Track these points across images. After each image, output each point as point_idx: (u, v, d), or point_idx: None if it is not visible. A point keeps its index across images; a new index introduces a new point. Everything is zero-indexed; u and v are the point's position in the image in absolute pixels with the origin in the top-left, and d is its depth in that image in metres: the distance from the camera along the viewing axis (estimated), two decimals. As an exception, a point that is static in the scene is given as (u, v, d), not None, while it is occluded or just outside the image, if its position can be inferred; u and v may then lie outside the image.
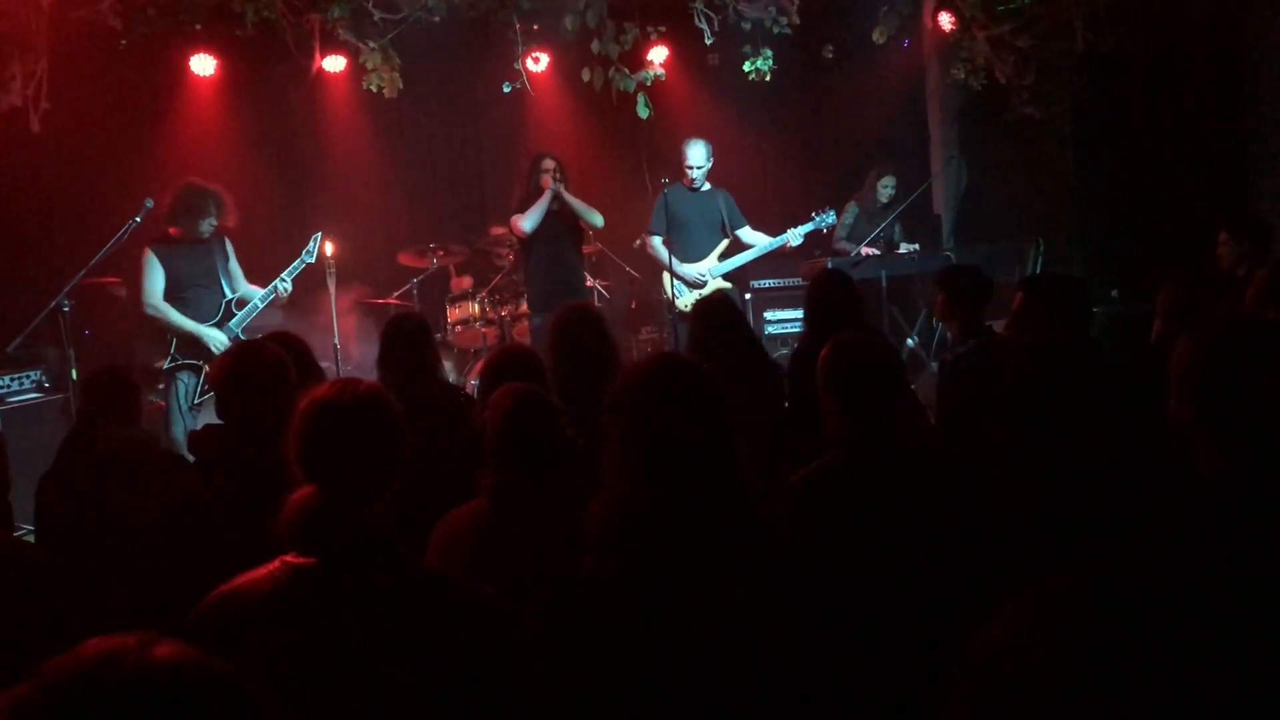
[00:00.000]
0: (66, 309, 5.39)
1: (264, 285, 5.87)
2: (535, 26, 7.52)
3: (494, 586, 1.92)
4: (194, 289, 5.74)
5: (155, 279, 5.63)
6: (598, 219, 6.68)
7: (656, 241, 6.75)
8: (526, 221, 6.54)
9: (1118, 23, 7.17)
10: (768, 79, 7.84)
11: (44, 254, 7.09)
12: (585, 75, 7.38)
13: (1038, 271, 7.30)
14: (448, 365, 7.65)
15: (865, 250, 7.57)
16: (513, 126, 8.71)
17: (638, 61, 7.53)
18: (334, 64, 7.23)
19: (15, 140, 6.43)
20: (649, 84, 7.53)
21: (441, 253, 7.84)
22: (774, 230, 6.89)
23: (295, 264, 5.92)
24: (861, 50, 8.31)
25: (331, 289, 6.41)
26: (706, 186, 6.88)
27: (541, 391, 2.72)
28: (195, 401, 5.67)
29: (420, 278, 7.81)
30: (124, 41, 6.75)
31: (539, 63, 7.74)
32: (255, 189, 7.74)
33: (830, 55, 8.36)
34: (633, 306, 8.59)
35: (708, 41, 7.40)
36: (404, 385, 3.53)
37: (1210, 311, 3.51)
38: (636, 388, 1.94)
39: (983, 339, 4.09)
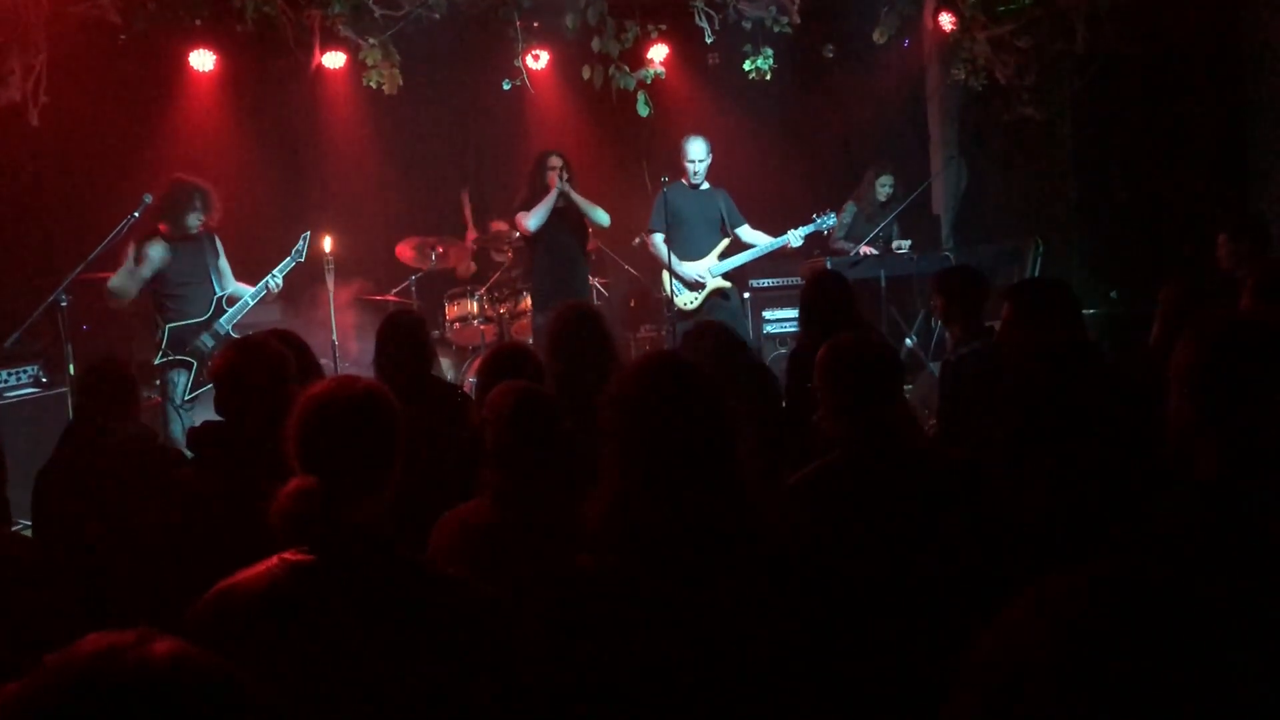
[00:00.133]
0: (64, 304, 5.39)
1: (260, 282, 5.89)
2: (535, 24, 7.52)
3: (498, 586, 1.92)
4: (186, 286, 5.76)
5: (151, 264, 5.63)
6: (604, 218, 6.68)
7: (658, 239, 6.75)
8: (532, 219, 6.54)
9: (1118, 24, 7.16)
10: (768, 78, 7.85)
11: (42, 248, 7.08)
12: (585, 73, 7.38)
13: (1030, 276, 7.30)
14: (446, 363, 7.65)
15: (864, 250, 7.57)
16: (512, 124, 8.71)
17: (638, 60, 7.53)
18: (334, 60, 7.22)
19: (14, 135, 6.43)
20: (649, 82, 7.53)
21: (440, 250, 7.84)
22: (773, 229, 6.89)
23: (285, 262, 5.94)
24: (862, 50, 8.31)
25: (330, 285, 6.41)
26: (706, 185, 6.88)
27: (541, 389, 2.71)
28: (186, 398, 5.68)
29: (419, 274, 7.81)
30: (123, 36, 6.75)
31: (539, 60, 7.74)
32: (255, 185, 7.74)
33: (830, 55, 8.35)
34: (631, 305, 8.59)
35: (708, 40, 7.40)
36: (399, 383, 3.52)
37: (1209, 312, 3.52)
38: (635, 386, 1.93)
39: (984, 341, 4.09)
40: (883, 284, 7.23)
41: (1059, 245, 7.75)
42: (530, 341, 6.70)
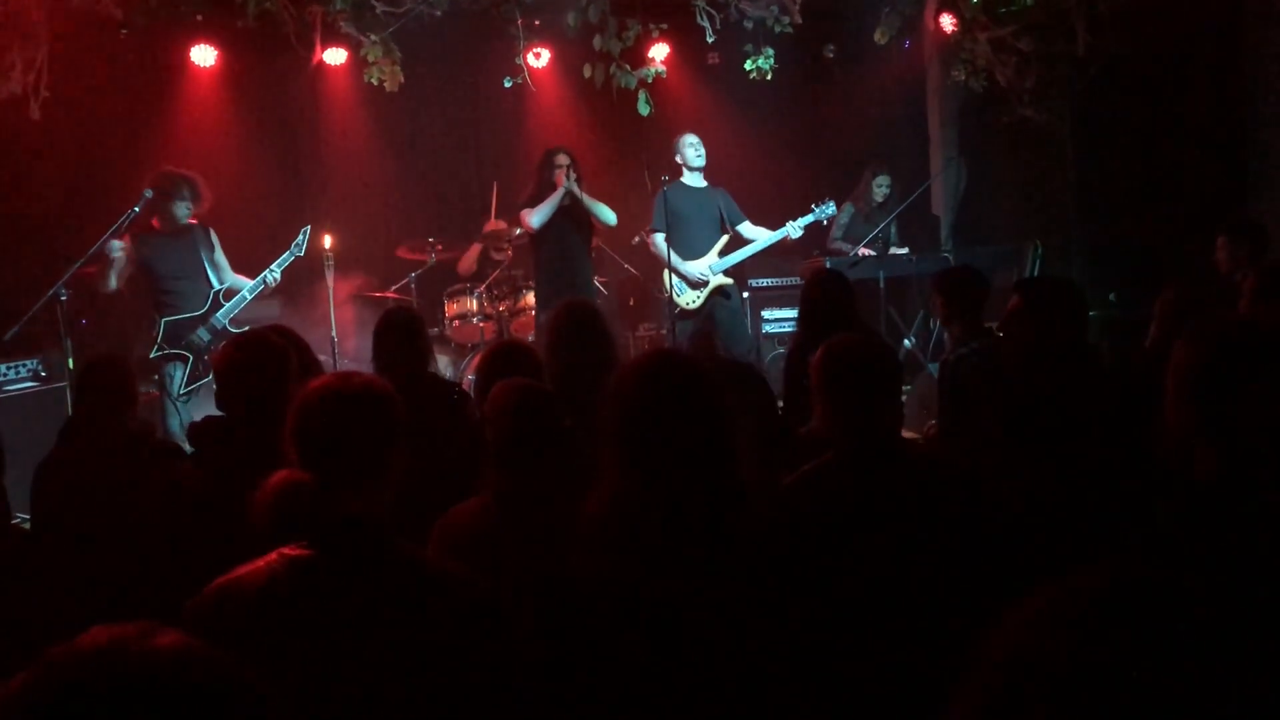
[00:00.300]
0: (64, 298, 5.38)
1: (258, 276, 5.89)
2: (537, 22, 7.52)
3: (500, 584, 1.92)
4: (180, 280, 5.75)
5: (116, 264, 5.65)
6: (611, 216, 6.65)
7: (659, 239, 6.74)
8: (536, 217, 6.51)
9: (1118, 26, 7.17)
10: (768, 78, 7.84)
11: (42, 243, 7.07)
12: (586, 71, 7.38)
13: (1035, 274, 7.30)
14: (445, 360, 7.64)
15: (863, 251, 7.57)
16: (513, 122, 8.71)
17: (639, 58, 7.53)
18: (335, 57, 7.22)
19: (14, 128, 6.42)
20: (650, 81, 7.53)
21: (440, 247, 7.83)
22: (773, 227, 6.89)
23: (285, 256, 5.92)
24: (863, 51, 8.31)
25: (329, 281, 6.40)
26: (704, 184, 6.87)
27: (542, 386, 2.71)
28: (182, 392, 5.68)
29: (418, 271, 7.80)
30: (124, 31, 6.75)
31: (540, 58, 7.74)
32: (255, 180, 7.73)
33: (831, 55, 8.36)
34: (631, 303, 8.58)
35: (709, 39, 7.40)
36: (396, 380, 3.51)
37: (1207, 315, 3.53)
38: (634, 385, 1.93)
39: (983, 342, 4.09)
40: (881, 285, 7.23)
41: (1058, 247, 7.75)
42: (532, 339, 6.69)
